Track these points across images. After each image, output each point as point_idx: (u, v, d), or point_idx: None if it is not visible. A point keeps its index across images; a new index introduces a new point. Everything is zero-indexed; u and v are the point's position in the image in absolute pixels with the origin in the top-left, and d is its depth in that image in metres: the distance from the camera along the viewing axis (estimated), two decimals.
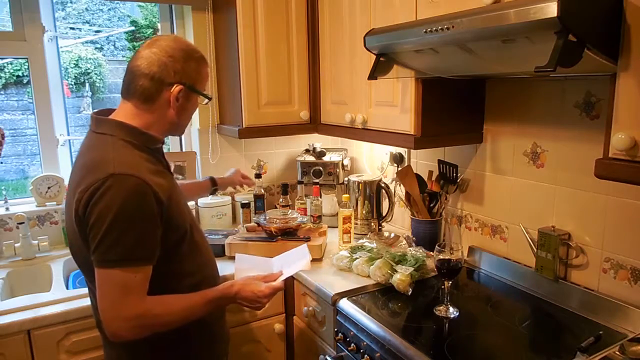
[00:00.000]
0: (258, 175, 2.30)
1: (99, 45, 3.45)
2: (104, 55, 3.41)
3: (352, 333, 1.53)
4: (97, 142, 1.22)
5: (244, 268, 1.52)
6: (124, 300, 1.12)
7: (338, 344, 1.60)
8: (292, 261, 1.55)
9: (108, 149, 1.18)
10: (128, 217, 1.10)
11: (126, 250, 1.11)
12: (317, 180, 2.32)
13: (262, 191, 2.31)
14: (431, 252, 1.58)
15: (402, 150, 2.20)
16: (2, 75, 2.79)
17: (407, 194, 2.01)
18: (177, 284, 1.26)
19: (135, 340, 1.19)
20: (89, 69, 3.26)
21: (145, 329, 1.17)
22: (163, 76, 1.21)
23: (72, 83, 3.19)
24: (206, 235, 2.07)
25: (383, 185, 2.21)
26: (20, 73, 2.82)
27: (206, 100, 1.32)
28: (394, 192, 2.23)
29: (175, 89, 1.23)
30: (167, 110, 1.25)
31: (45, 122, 2.19)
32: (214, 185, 1.90)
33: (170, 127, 1.29)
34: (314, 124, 2.26)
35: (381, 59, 1.54)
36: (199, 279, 1.31)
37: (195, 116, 2.43)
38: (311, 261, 1.87)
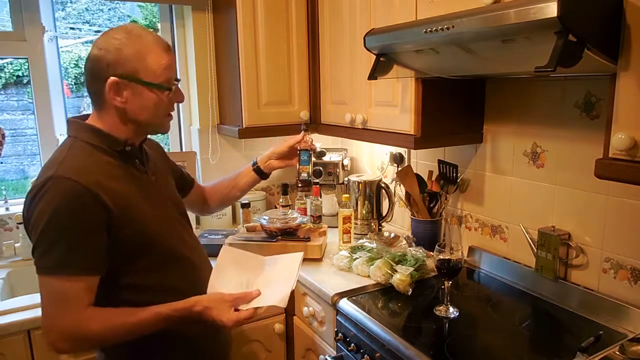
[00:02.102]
0: (306, 129, 1.78)
1: None
2: None
3: (352, 333, 1.53)
4: (62, 144, 1.19)
5: (225, 266, 1.34)
6: (58, 311, 1.07)
7: (338, 344, 1.60)
8: (280, 273, 1.34)
9: (64, 151, 1.15)
10: (61, 223, 1.05)
11: (60, 258, 1.06)
12: (317, 180, 2.32)
13: (311, 141, 1.75)
14: (431, 252, 1.58)
15: (402, 150, 2.20)
16: (2, 75, 2.79)
17: (407, 194, 2.01)
18: (145, 297, 1.17)
19: (118, 347, 1.16)
20: None
21: (83, 344, 1.12)
22: (97, 72, 1.13)
23: (72, 83, 3.19)
24: (206, 235, 2.10)
25: (383, 185, 2.21)
26: (20, 73, 2.82)
27: (167, 92, 1.18)
28: (394, 192, 2.23)
29: (108, 82, 1.12)
30: (114, 108, 1.16)
31: (45, 122, 2.19)
32: (258, 173, 1.67)
33: (131, 125, 1.19)
34: (314, 124, 2.26)
35: (381, 59, 1.54)
36: (179, 292, 1.20)
37: (196, 116, 2.43)
38: (311, 261, 1.89)
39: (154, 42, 1.16)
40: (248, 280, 1.31)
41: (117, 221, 1.11)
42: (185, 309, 1.16)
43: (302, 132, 1.72)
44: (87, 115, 1.24)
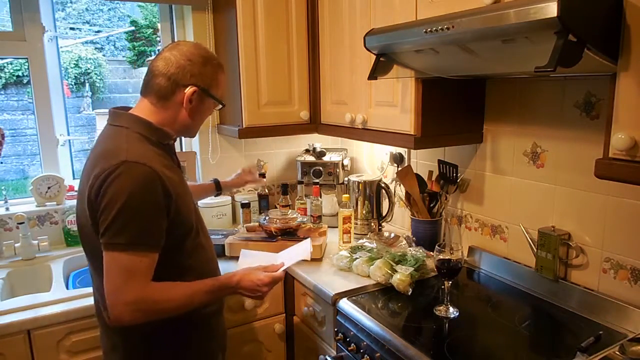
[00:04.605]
0: (262, 175, 2.28)
1: (99, 45, 3.46)
2: (104, 55, 3.41)
3: (352, 333, 1.53)
4: (113, 134, 1.27)
5: (247, 261, 1.55)
6: (127, 284, 1.15)
7: (338, 344, 1.61)
8: (295, 254, 1.57)
9: (122, 139, 1.23)
10: (137, 204, 1.14)
11: (133, 235, 1.15)
12: (317, 180, 2.32)
13: (266, 191, 2.39)
14: (431, 252, 1.58)
15: (402, 150, 2.20)
16: (2, 75, 2.79)
17: (407, 194, 2.01)
18: (178, 277, 1.28)
19: (130, 331, 1.23)
20: (89, 69, 3.26)
21: (146, 314, 1.19)
22: (179, 77, 1.27)
23: (72, 83, 3.19)
24: None
25: (383, 185, 2.21)
26: (20, 73, 2.82)
27: (220, 106, 1.37)
28: (394, 192, 2.23)
29: (189, 90, 1.28)
30: (180, 111, 1.30)
31: (45, 122, 2.19)
32: (217, 190, 1.94)
33: (182, 127, 1.34)
34: (314, 124, 2.26)
35: (381, 59, 1.54)
36: (199, 275, 1.32)
37: None
38: (311, 261, 1.89)
39: (222, 65, 1.37)
40: (270, 263, 1.49)
41: (175, 207, 1.22)
42: (225, 280, 1.34)
43: (261, 178, 2.11)
44: (127, 107, 1.34)
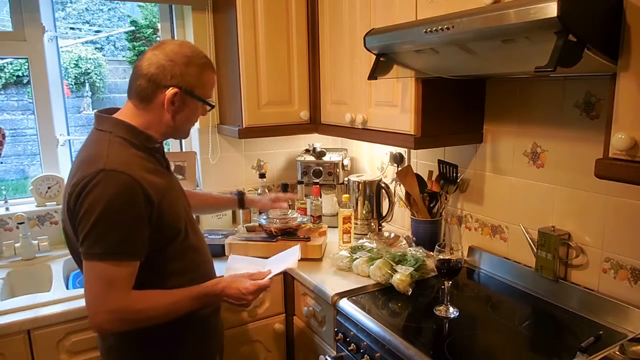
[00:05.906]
0: (262, 175, 2.34)
1: (99, 45, 3.46)
2: (104, 55, 3.41)
3: (352, 333, 1.53)
4: (96, 139, 1.24)
5: (234, 267, 1.53)
6: (107, 293, 1.14)
7: (338, 344, 1.61)
8: (283, 261, 1.55)
9: (104, 145, 1.20)
10: (115, 213, 1.12)
11: (111, 245, 1.13)
12: (317, 180, 2.32)
13: (267, 191, 2.37)
14: (431, 252, 1.58)
15: (402, 150, 2.20)
16: (2, 75, 2.79)
17: (407, 194, 2.01)
18: (167, 281, 1.26)
19: (126, 333, 1.22)
20: (89, 69, 3.27)
21: (128, 323, 1.19)
22: (159, 78, 1.23)
23: (72, 83, 3.19)
24: (206, 235, 2.10)
25: (383, 185, 2.21)
26: (20, 73, 2.82)
27: (208, 107, 1.34)
28: (394, 192, 2.23)
29: (170, 92, 1.23)
30: (163, 113, 1.26)
31: (45, 122, 2.19)
32: (240, 205, 1.87)
33: (167, 129, 1.30)
34: (314, 124, 2.26)
35: (381, 59, 1.54)
36: (190, 278, 1.30)
37: None
38: (311, 261, 1.89)
39: (209, 64, 1.32)
40: (258, 270, 1.46)
41: (157, 213, 1.20)
42: (210, 287, 1.31)
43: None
44: (113, 109, 1.30)
